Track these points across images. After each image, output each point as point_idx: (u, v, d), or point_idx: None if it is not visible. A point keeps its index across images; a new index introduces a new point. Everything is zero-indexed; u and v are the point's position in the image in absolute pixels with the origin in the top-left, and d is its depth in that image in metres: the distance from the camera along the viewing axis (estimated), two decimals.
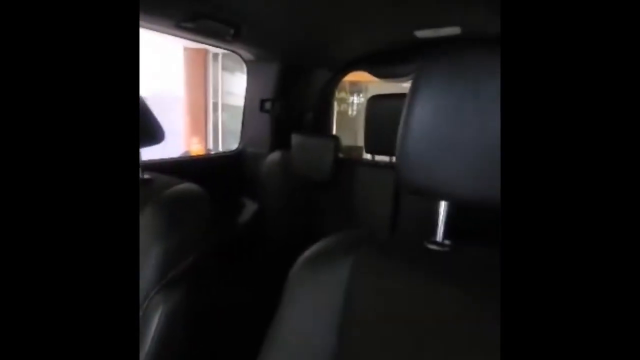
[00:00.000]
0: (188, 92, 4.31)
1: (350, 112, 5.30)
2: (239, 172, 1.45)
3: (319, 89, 1.51)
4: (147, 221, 0.54)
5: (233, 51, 1.29)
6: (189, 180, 0.63)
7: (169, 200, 0.57)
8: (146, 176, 0.64)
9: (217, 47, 1.23)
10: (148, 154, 0.69)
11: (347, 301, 0.39)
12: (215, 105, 4.57)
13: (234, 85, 4.56)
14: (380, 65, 1.34)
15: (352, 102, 5.29)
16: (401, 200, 1.01)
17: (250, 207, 1.41)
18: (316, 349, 0.39)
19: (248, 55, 1.30)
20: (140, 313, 0.50)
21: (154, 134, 0.63)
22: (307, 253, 0.44)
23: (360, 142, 1.30)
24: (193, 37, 1.06)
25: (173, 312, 0.50)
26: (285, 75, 1.34)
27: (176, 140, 3.93)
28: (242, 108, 1.47)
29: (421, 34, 1.04)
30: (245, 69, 1.41)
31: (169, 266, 0.53)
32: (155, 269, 0.52)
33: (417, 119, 0.36)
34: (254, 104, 1.40)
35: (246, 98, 1.43)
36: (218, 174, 1.36)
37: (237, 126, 1.55)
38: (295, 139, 1.21)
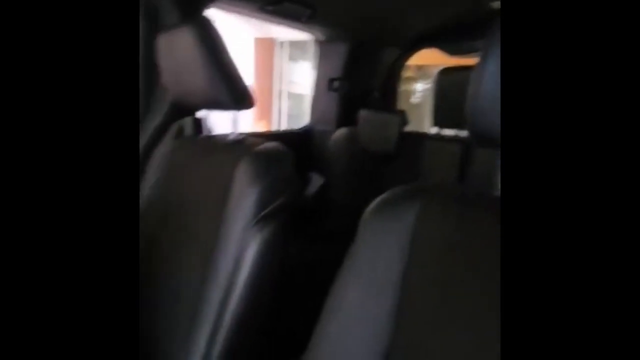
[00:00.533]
0: (257, 80, 4.56)
1: (413, 99, 5.15)
2: (307, 149, 1.54)
3: (386, 67, 1.54)
4: (242, 171, 0.64)
5: (306, 32, 1.37)
6: None
7: (261, 153, 0.67)
8: (240, 136, 0.75)
9: (293, 28, 1.32)
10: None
11: (412, 246, 0.41)
12: (280, 92, 4.79)
13: (298, 74, 4.72)
14: (450, 41, 1.33)
15: (415, 90, 5.11)
16: (467, 171, 1.02)
17: (316, 182, 1.50)
18: (382, 290, 0.42)
19: (320, 36, 1.38)
20: (238, 245, 0.61)
21: (244, 100, 0.72)
22: (375, 202, 0.47)
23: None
24: (273, 19, 1.16)
25: (266, 241, 0.60)
26: (354, 54, 1.39)
27: (246, 124, 4.21)
28: (303, 96, 1.56)
29: (497, 4, 1.02)
30: (309, 56, 1.49)
31: (260, 207, 0.62)
32: (250, 209, 0.62)
33: (485, 87, 0.36)
34: (323, 84, 1.47)
35: (316, 78, 1.51)
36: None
37: (299, 112, 1.64)
38: (362, 114, 1.27)
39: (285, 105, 4.81)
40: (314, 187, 1.51)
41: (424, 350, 0.39)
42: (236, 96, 0.69)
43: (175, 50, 0.71)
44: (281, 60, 4.68)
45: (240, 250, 0.59)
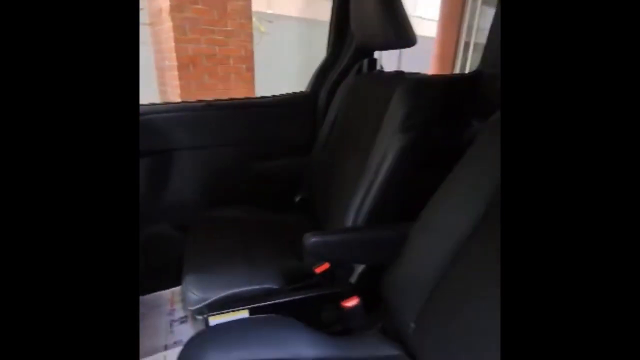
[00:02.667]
0: (441, 32, 4.43)
1: None
2: (473, 93, 1.58)
3: None
4: (397, 96, 0.87)
5: None
6: None
7: (410, 84, 0.88)
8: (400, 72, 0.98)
9: None
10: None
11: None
12: (466, 44, 4.49)
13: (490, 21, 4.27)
14: None
15: None
16: None
17: (475, 127, 1.55)
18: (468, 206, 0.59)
19: None
20: (385, 146, 0.86)
21: (407, 37, 0.92)
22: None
23: None
24: None
25: (404, 145, 0.83)
26: None
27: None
28: None
29: None
30: None
31: (404, 121, 0.85)
32: (397, 122, 0.85)
33: None
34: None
35: (494, 19, 1.50)
36: (454, 95, 1.55)
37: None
38: None
39: (469, 58, 4.51)
40: (469, 134, 1.56)
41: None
42: (401, 37, 0.91)
43: (361, 6, 0.98)
44: (473, 8, 4.34)
45: (386, 149, 0.85)
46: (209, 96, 2.84)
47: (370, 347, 0.70)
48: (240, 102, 1.37)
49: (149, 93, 2.94)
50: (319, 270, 0.84)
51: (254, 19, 3.05)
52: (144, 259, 1.25)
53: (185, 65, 2.72)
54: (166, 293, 1.28)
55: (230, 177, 1.29)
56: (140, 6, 2.79)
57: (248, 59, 3.02)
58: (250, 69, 3.06)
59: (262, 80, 3.14)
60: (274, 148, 1.33)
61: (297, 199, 1.25)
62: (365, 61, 1.18)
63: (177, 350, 0.97)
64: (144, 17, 2.92)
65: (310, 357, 0.64)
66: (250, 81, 3.09)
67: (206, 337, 0.66)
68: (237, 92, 3.01)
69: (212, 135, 1.25)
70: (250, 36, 2.99)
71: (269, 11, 4.21)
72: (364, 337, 0.73)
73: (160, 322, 1.16)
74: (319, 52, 1.42)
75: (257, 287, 0.82)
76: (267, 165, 1.33)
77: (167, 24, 2.65)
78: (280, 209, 1.21)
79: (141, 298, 1.25)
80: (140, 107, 1.21)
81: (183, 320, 1.16)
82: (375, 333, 0.75)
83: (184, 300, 0.83)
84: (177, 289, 1.29)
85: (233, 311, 0.79)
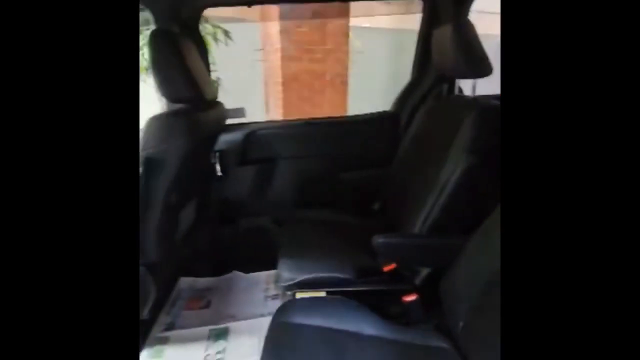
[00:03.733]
0: None
1: None
2: None
3: None
4: (469, 119, 0.97)
5: None
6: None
7: (483, 109, 0.97)
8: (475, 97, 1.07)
9: None
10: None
11: None
12: None
13: None
14: None
15: None
16: None
17: None
18: None
19: None
20: (453, 164, 0.96)
21: (482, 70, 1.02)
22: None
23: None
24: None
25: (469, 166, 0.93)
26: None
27: None
28: None
29: None
30: None
31: (471, 144, 0.95)
32: (466, 144, 0.95)
33: None
34: None
35: None
36: None
37: None
38: None
39: None
40: None
41: None
42: (475, 68, 1.01)
43: (441, 39, 1.10)
44: None
45: (455, 167, 0.96)
46: (306, 107, 3.17)
47: (423, 337, 0.84)
48: (334, 120, 1.60)
49: (257, 104, 3.43)
50: (386, 269, 1.00)
51: (350, 35, 3.30)
52: (246, 245, 1.57)
53: (289, 81, 3.11)
54: (263, 274, 1.57)
55: (320, 184, 1.52)
56: (253, 33, 3.29)
57: (343, 73, 3.28)
58: (345, 83, 3.32)
59: (355, 90, 3.37)
60: (358, 160, 1.53)
61: (376, 206, 1.42)
62: (445, 86, 1.29)
63: (269, 317, 1.23)
64: (257, 43, 3.41)
65: (369, 334, 0.81)
66: (344, 93, 3.34)
67: (294, 305, 0.88)
68: (332, 103, 3.29)
69: (308, 148, 1.50)
70: (346, 52, 3.24)
71: (365, 24, 4.43)
72: (418, 328, 0.87)
73: (258, 296, 1.45)
74: (409, 61, 1.55)
75: (334, 274, 1.02)
76: (352, 175, 1.53)
77: (276, 46, 3.07)
78: (360, 214, 1.40)
79: (244, 276, 1.56)
80: (254, 124, 1.53)
81: (275, 297, 1.43)
82: (429, 327, 0.88)
83: (278, 279, 1.07)
84: (272, 272, 1.57)
85: (314, 290, 1.00)
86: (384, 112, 1.55)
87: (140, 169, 0.92)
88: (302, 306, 0.87)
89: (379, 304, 1.00)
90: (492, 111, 0.97)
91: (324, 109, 3.21)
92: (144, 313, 1.09)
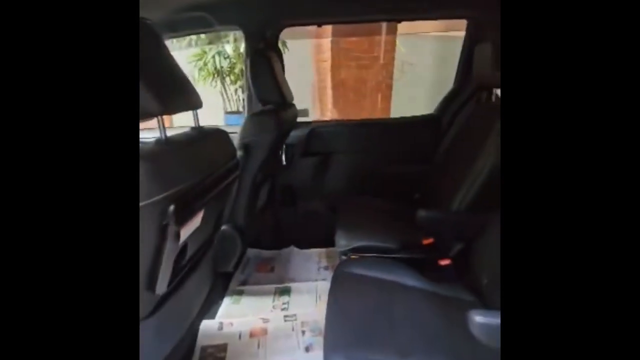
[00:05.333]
0: None
1: None
2: None
3: None
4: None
5: None
6: None
7: None
8: None
9: None
10: None
11: None
12: None
13: None
14: None
15: None
16: None
17: None
18: None
19: None
20: (485, 158, 1.17)
21: None
22: None
23: None
24: None
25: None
26: None
27: None
28: None
29: None
30: None
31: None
32: (495, 142, 1.16)
33: None
34: None
35: None
36: None
37: None
38: None
39: None
40: None
41: None
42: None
43: (482, 54, 1.31)
44: None
45: (489, 155, 1.14)
46: (353, 108, 3.42)
47: (454, 290, 1.06)
48: (383, 121, 1.84)
49: (307, 105, 3.75)
50: (425, 242, 1.22)
51: (397, 42, 3.52)
52: (303, 225, 1.85)
53: (338, 85, 3.39)
54: (315, 250, 1.86)
55: (368, 176, 1.77)
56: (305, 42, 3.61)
57: (388, 77, 3.51)
58: (390, 87, 3.54)
59: (400, 94, 3.57)
60: (402, 156, 1.76)
61: (416, 196, 1.64)
62: (484, 94, 1.49)
63: (322, 282, 1.50)
64: (308, 50, 3.72)
65: (412, 285, 1.05)
66: (389, 97, 3.56)
67: (352, 262, 1.14)
68: (377, 106, 3.53)
69: (360, 145, 1.76)
70: (392, 58, 3.47)
71: (412, 31, 4.60)
72: (450, 284, 1.09)
73: (312, 267, 1.73)
74: (452, 68, 1.75)
75: (382, 244, 1.27)
76: (396, 168, 1.77)
77: (327, 54, 3.36)
78: (402, 202, 1.63)
79: (299, 251, 1.85)
80: (314, 122, 1.82)
81: (326, 268, 1.71)
82: (459, 284, 1.09)
83: (336, 245, 1.33)
84: (323, 250, 1.84)
85: (364, 255, 1.25)
86: (428, 114, 1.78)
87: (240, 152, 1.23)
88: (358, 262, 1.13)
89: (417, 268, 1.23)
90: None
91: (368, 112, 3.46)
92: (230, 266, 1.40)
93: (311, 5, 1.52)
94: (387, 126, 1.80)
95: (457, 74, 1.69)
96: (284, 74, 1.60)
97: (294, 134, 1.69)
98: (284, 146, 1.71)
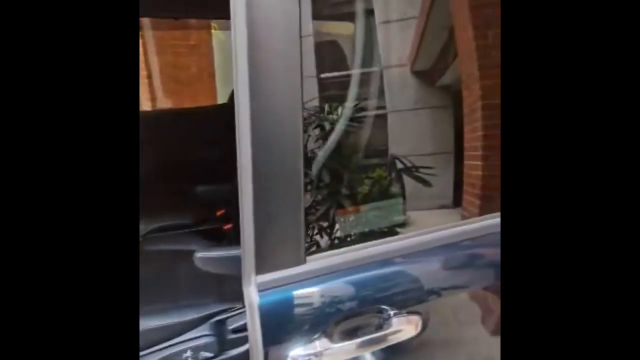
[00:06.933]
0: None
1: None
2: None
3: None
4: None
5: None
6: None
7: None
8: None
9: None
10: None
11: None
12: None
13: None
14: None
15: None
16: None
17: None
18: None
19: None
20: None
21: None
22: None
23: None
24: None
25: None
26: None
27: None
28: None
29: None
30: None
31: None
32: None
33: None
34: None
35: None
36: None
37: None
38: None
39: None
40: None
41: None
42: None
43: None
44: None
45: None
46: (175, 97, 3.35)
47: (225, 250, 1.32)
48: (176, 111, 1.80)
49: None
50: (218, 213, 1.44)
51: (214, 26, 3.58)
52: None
53: (153, 75, 3.30)
54: None
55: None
56: None
57: (209, 66, 3.56)
58: (212, 75, 3.62)
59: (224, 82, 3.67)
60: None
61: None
62: None
63: None
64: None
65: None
66: (212, 85, 3.64)
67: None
68: (200, 94, 3.57)
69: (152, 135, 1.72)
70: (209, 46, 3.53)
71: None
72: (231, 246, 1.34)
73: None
74: None
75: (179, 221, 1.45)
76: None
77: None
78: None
79: None
80: None
81: None
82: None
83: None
84: None
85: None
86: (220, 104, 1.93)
87: None
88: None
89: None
90: None
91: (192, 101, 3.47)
92: None
93: None
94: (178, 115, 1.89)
95: None
96: None
97: None
98: None
